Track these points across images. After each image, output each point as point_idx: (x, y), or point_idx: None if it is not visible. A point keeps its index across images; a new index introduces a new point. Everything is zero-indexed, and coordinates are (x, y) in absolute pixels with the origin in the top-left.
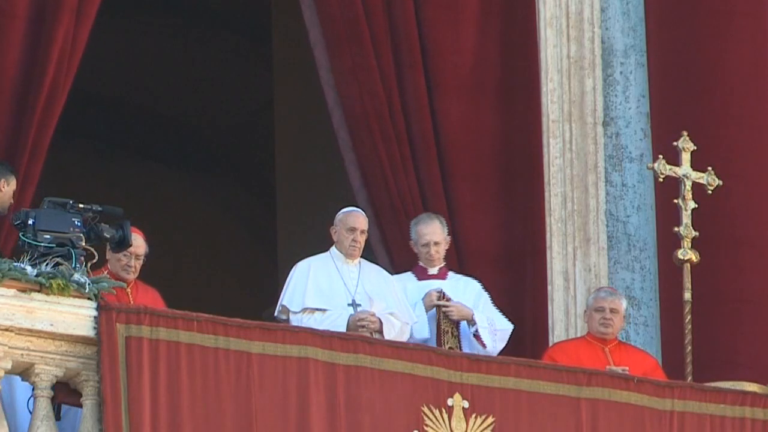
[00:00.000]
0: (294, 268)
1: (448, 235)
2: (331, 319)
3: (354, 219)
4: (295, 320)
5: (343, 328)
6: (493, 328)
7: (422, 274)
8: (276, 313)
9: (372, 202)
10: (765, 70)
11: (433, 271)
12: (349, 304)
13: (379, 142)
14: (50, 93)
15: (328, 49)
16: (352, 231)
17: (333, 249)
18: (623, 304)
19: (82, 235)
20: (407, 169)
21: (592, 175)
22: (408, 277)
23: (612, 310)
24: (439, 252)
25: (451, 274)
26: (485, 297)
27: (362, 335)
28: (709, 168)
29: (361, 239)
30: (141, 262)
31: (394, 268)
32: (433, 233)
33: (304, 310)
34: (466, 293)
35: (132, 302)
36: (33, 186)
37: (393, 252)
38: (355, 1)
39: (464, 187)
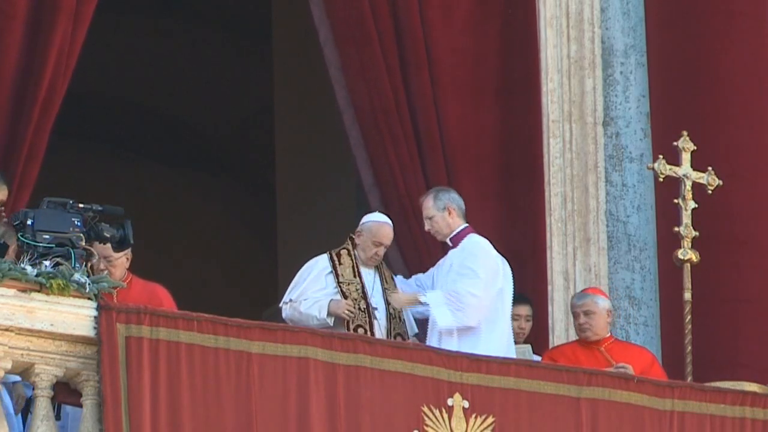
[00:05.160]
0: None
1: (445, 209)
2: (313, 301)
3: (383, 235)
4: (285, 309)
5: (324, 309)
6: (451, 299)
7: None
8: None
9: (384, 201)
10: (765, 70)
11: (447, 242)
12: (364, 308)
13: (388, 142)
14: (48, 94)
15: (338, 47)
16: (377, 245)
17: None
18: (599, 303)
19: (82, 235)
20: (415, 169)
21: (592, 175)
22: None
23: (586, 313)
24: (434, 227)
25: (466, 239)
26: (469, 250)
27: (362, 335)
28: (709, 168)
29: (383, 253)
30: (118, 263)
31: (406, 266)
32: (424, 208)
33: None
34: (462, 252)
35: (116, 301)
36: (30, 188)
37: (404, 250)
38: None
39: (467, 186)
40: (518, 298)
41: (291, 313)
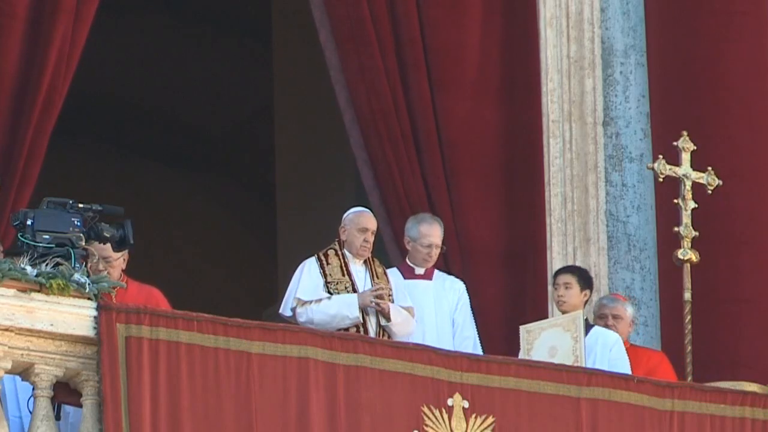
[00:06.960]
0: (303, 264)
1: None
2: (339, 301)
3: (365, 220)
4: (303, 312)
5: (354, 306)
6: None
7: (409, 273)
8: (283, 311)
9: (384, 201)
10: (765, 70)
11: (420, 271)
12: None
13: (386, 144)
14: (48, 95)
15: (338, 48)
16: (363, 231)
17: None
18: (628, 310)
19: (81, 234)
20: (414, 170)
21: (592, 175)
22: (393, 272)
23: (614, 317)
24: (435, 255)
25: (437, 273)
26: (465, 300)
27: (362, 335)
28: (709, 168)
29: (372, 239)
30: (116, 263)
31: None
32: (435, 235)
33: (311, 301)
34: (449, 293)
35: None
36: (31, 187)
37: (405, 250)
38: (361, 1)
39: (467, 186)
40: (562, 269)
41: (312, 315)
